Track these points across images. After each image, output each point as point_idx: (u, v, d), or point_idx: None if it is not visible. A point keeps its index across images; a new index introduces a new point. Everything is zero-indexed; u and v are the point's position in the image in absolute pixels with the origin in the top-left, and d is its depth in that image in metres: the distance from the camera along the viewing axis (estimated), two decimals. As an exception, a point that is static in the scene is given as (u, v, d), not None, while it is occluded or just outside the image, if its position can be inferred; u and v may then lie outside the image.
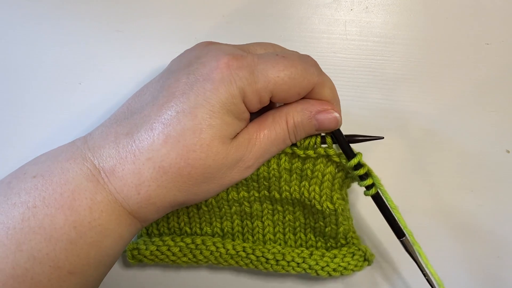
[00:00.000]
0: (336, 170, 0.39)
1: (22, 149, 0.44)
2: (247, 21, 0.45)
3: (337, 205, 0.39)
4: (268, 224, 0.42)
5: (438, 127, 0.45)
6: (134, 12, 0.45)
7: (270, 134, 0.34)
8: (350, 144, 0.37)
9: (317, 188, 0.39)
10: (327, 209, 0.39)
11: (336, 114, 0.35)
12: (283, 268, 0.41)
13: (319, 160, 0.38)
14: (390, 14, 0.46)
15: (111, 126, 0.32)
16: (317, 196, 0.39)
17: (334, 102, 0.35)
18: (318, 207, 0.39)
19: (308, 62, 0.33)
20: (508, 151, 0.45)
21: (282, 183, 0.39)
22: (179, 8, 0.46)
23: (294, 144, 0.37)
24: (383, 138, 0.37)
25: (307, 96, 0.34)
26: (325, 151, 0.37)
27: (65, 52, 0.45)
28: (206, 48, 0.33)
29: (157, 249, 0.40)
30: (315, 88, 0.33)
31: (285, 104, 0.35)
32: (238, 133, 0.33)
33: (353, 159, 0.36)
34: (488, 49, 0.45)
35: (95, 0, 0.45)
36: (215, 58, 0.31)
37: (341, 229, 0.40)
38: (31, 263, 0.28)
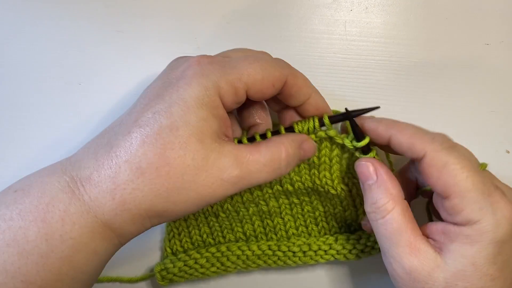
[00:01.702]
0: (341, 152, 0.38)
1: (22, 149, 0.44)
2: (247, 21, 0.45)
3: (350, 185, 0.39)
4: (289, 219, 0.42)
5: (438, 127, 0.45)
6: (134, 13, 0.45)
7: (260, 159, 0.33)
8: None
9: (327, 174, 0.38)
10: (342, 192, 0.39)
11: (313, 142, 0.36)
12: (311, 259, 0.41)
13: (323, 145, 0.38)
14: (390, 15, 0.46)
15: (92, 142, 0.32)
16: (329, 182, 0.38)
17: (312, 91, 0.36)
18: (333, 191, 0.38)
19: (277, 58, 0.35)
20: (508, 151, 0.45)
21: (292, 174, 0.39)
22: (179, 9, 0.46)
23: (291, 129, 0.37)
24: (379, 107, 0.36)
25: (283, 91, 0.34)
26: (326, 134, 0.37)
27: (65, 52, 0.45)
28: (177, 59, 0.35)
29: (184, 265, 0.40)
30: (288, 80, 0.34)
31: (277, 136, 0.35)
32: (224, 142, 0.32)
33: (363, 141, 0.36)
34: (488, 49, 0.45)
35: (95, 0, 0.45)
36: (186, 60, 0.32)
37: (360, 210, 0.40)
38: (3, 277, 0.28)
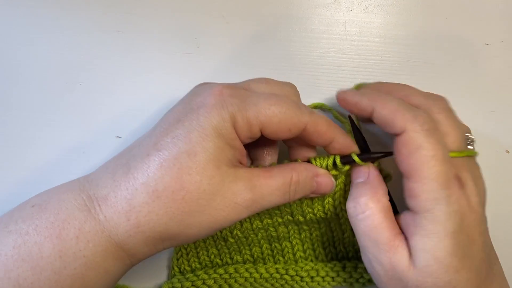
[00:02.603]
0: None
1: (22, 149, 0.44)
2: (247, 21, 0.45)
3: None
4: (297, 243, 0.42)
5: (438, 127, 0.45)
6: (134, 12, 0.45)
7: (272, 182, 0.33)
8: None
9: (343, 200, 0.38)
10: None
11: (333, 180, 0.36)
12: (318, 284, 0.41)
13: (340, 180, 0.38)
14: (390, 15, 0.46)
15: (111, 161, 0.33)
16: (343, 206, 0.38)
17: (336, 134, 0.35)
18: (345, 214, 0.37)
19: (299, 102, 0.35)
20: (508, 151, 0.45)
21: (305, 207, 0.38)
22: (179, 9, 0.46)
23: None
24: (392, 154, 0.35)
25: (304, 136, 0.34)
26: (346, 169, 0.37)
27: (65, 52, 0.45)
28: (202, 85, 0.35)
29: (192, 285, 0.40)
30: (309, 127, 0.33)
31: (291, 163, 0.36)
32: (238, 167, 0.33)
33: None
34: (488, 49, 0.45)
35: (95, 0, 0.45)
36: (210, 88, 0.32)
37: None
38: None
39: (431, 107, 0.35)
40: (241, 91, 0.33)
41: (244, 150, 0.34)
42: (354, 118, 0.39)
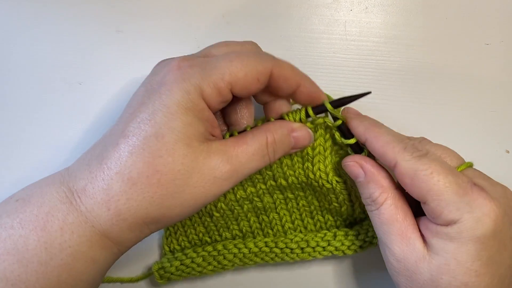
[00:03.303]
0: (333, 144, 0.38)
1: (22, 149, 0.44)
2: (247, 21, 0.45)
3: (345, 178, 0.38)
4: (284, 214, 0.41)
5: (438, 127, 0.45)
6: (135, 12, 0.45)
7: (248, 148, 0.33)
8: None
9: (321, 166, 0.38)
10: (337, 186, 0.38)
11: (310, 131, 0.36)
12: (309, 255, 0.41)
13: (318, 133, 0.37)
14: (390, 15, 0.46)
15: (87, 153, 0.33)
16: (323, 175, 0.38)
17: (301, 78, 0.35)
18: (327, 185, 0.38)
19: (260, 51, 0.34)
20: (508, 151, 0.45)
21: (285, 168, 0.38)
22: (179, 8, 0.46)
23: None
24: (370, 92, 0.36)
25: (271, 84, 0.34)
26: (324, 120, 0.37)
27: (65, 52, 0.45)
28: (160, 63, 0.34)
29: (181, 264, 0.40)
30: (274, 72, 0.33)
31: (264, 124, 0.36)
32: (211, 141, 0.32)
33: (350, 140, 0.37)
34: (488, 49, 0.45)
35: (95, 0, 0.45)
36: (167, 65, 0.32)
37: (356, 204, 0.40)
38: (3, 284, 0.29)
39: (420, 142, 0.35)
40: (199, 59, 0.32)
41: (215, 121, 0.33)
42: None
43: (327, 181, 0.38)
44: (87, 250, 0.30)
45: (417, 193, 0.32)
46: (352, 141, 0.36)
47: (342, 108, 0.38)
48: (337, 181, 0.38)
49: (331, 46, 0.45)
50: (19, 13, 0.45)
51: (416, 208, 0.35)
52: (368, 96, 0.45)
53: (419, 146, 0.34)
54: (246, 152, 0.33)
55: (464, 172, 0.34)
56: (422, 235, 0.33)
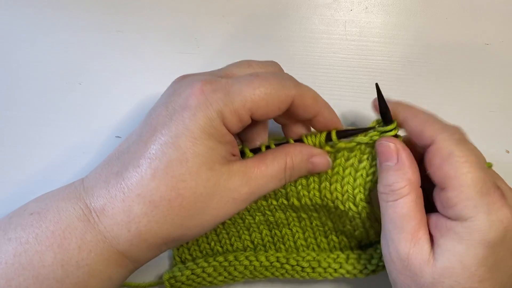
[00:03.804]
0: (358, 162, 0.36)
1: (22, 149, 0.44)
2: (247, 21, 0.45)
3: (360, 207, 0.37)
4: (297, 231, 0.41)
5: (438, 127, 0.45)
6: (135, 12, 0.45)
7: (267, 171, 0.33)
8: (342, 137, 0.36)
9: (338, 187, 0.37)
10: (350, 211, 0.37)
11: (329, 158, 0.36)
12: (320, 275, 0.40)
13: (340, 154, 0.36)
14: (390, 15, 0.46)
15: (103, 167, 0.32)
16: (339, 195, 0.37)
17: (321, 108, 0.35)
18: (341, 207, 0.37)
19: (283, 76, 0.34)
20: (508, 151, 0.45)
21: (299, 188, 0.37)
22: (179, 9, 0.46)
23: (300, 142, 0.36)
24: (374, 128, 0.35)
25: (291, 110, 0.34)
26: (345, 145, 0.36)
27: (65, 52, 0.45)
28: (181, 81, 0.33)
29: (192, 273, 0.40)
30: (295, 101, 0.33)
31: (284, 145, 0.36)
32: (232, 162, 0.32)
33: (391, 125, 0.35)
34: (488, 49, 0.45)
35: (95, 0, 0.45)
36: (189, 86, 0.31)
37: (371, 232, 0.38)
38: None
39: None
40: (221, 82, 0.32)
41: (235, 141, 0.34)
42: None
43: (341, 202, 0.37)
44: (104, 268, 0.31)
45: (441, 176, 0.31)
46: (393, 126, 0.35)
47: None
48: (350, 207, 0.37)
49: (331, 46, 0.45)
50: (19, 13, 0.45)
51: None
52: (368, 96, 0.45)
53: (459, 130, 0.33)
54: (265, 175, 0.33)
55: (490, 171, 0.33)
56: (430, 236, 0.33)
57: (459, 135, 0.32)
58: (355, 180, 0.36)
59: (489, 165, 0.34)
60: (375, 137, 0.35)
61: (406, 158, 0.33)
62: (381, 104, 0.35)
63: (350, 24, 0.46)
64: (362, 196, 0.36)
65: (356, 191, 0.36)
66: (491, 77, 0.45)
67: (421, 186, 0.34)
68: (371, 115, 0.45)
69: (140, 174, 0.30)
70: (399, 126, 0.35)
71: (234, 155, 0.34)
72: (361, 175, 0.36)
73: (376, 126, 0.35)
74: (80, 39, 0.45)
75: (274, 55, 0.45)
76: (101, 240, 0.30)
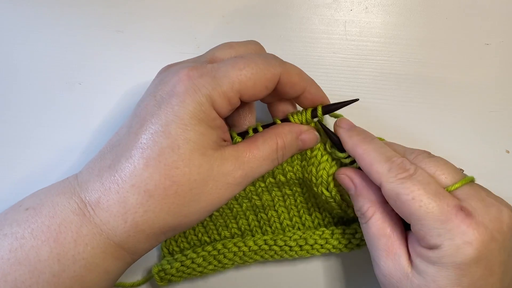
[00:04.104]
0: (331, 159, 0.38)
1: (22, 149, 0.44)
2: (247, 21, 0.45)
3: (334, 193, 0.38)
4: (282, 211, 0.42)
5: (438, 127, 0.45)
6: (135, 13, 0.45)
7: (259, 153, 0.34)
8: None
9: (314, 170, 0.38)
10: (323, 195, 0.38)
11: (317, 133, 0.37)
12: (307, 252, 0.41)
13: (317, 145, 0.38)
14: (390, 15, 0.46)
15: (96, 161, 0.33)
16: (313, 179, 0.38)
17: (307, 83, 0.35)
18: (315, 189, 0.38)
19: (267, 56, 0.34)
20: (508, 151, 0.45)
21: (285, 165, 0.39)
22: (179, 9, 0.46)
23: (286, 121, 0.37)
24: (358, 100, 0.37)
25: (278, 88, 0.34)
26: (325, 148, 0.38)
27: (65, 52, 0.45)
28: (167, 70, 0.34)
29: (181, 265, 0.40)
30: (282, 78, 0.33)
31: (273, 126, 0.36)
32: (223, 147, 0.33)
33: (343, 154, 0.37)
34: (488, 49, 0.45)
35: (95, 1, 0.45)
36: (176, 74, 0.32)
37: (349, 211, 0.40)
38: None
39: (411, 156, 0.35)
40: (207, 67, 0.32)
41: (225, 126, 0.34)
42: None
43: (315, 185, 0.38)
44: (101, 261, 0.31)
45: (402, 214, 0.32)
46: (343, 155, 0.37)
47: (336, 119, 0.38)
48: (322, 192, 0.38)
49: (331, 46, 0.45)
50: (19, 13, 0.45)
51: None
52: (368, 96, 0.45)
53: (407, 165, 0.33)
54: (258, 158, 0.33)
55: (457, 191, 0.32)
56: (408, 252, 0.33)
57: (403, 174, 0.32)
58: (331, 167, 0.38)
59: (468, 180, 0.33)
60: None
61: (360, 183, 0.36)
62: (332, 139, 0.37)
63: (350, 24, 0.46)
64: (336, 183, 0.38)
65: (330, 178, 0.38)
66: (491, 77, 0.45)
67: None
68: (371, 115, 0.45)
69: (133, 165, 0.30)
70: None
71: (225, 141, 0.34)
72: (336, 163, 0.38)
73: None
74: (80, 39, 0.45)
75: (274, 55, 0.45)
76: (97, 233, 0.30)
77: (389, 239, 0.34)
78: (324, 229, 0.41)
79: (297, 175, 0.39)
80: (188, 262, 0.40)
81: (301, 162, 0.39)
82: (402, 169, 0.33)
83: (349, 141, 0.36)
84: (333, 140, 0.37)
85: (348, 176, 0.36)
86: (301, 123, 0.37)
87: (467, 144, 0.44)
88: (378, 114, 0.45)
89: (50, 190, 0.32)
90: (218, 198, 0.32)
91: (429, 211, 0.30)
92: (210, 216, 0.41)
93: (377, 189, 0.35)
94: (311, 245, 0.41)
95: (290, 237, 0.41)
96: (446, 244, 0.30)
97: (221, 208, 0.40)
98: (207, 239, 0.42)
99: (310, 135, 0.37)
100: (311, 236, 0.41)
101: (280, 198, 0.41)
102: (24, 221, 0.30)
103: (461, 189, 0.32)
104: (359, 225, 0.40)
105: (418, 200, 0.31)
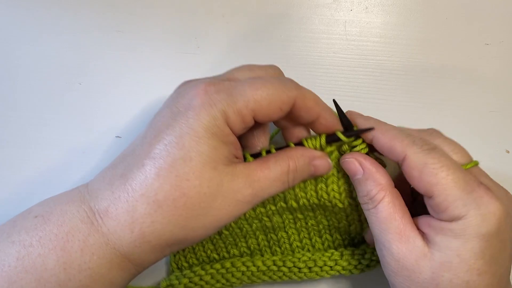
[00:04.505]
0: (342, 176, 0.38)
1: (22, 149, 0.44)
2: (247, 21, 0.45)
3: (357, 201, 0.38)
4: (293, 233, 0.41)
5: (438, 127, 0.45)
6: (134, 12, 0.45)
7: (270, 174, 0.33)
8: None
9: (335, 187, 0.38)
10: (349, 206, 0.38)
11: (330, 161, 0.37)
12: (317, 274, 0.41)
13: (332, 156, 0.37)
14: (390, 15, 0.46)
15: (107, 171, 0.33)
16: (336, 195, 0.38)
17: (322, 109, 0.35)
18: (340, 205, 0.38)
19: (284, 79, 0.34)
20: (508, 151, 0.45)
21: (297, 190, 0.38)
22: (179, 9, 0.46)
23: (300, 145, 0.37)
24: (373, 128, 0.36)
25: (293, 112, 0.34)
26: (337, 148, 0.37)
27: (65, 52, 0.45)
28: (185, 85, 0.34)
29: (190, 281, 0.40)
30: (297, 102, 0.33)
31: (286, 148, 0.36)
32: (235, 164, 0.33)
33: (358, 140, 0.36)
34: (488, 49, 0.45)
35: (95, 0, 0.45)
36: (193, 88, 0.32)
37: (365, 224, 0.40)
38: None
39: (427, 136, 0.35)
40: (225, 84, 0.32)
41: (238, 143, 0.34)
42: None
43: (340, 201, 0.38)
44: (106, 272, 0.30)
45: (424, 186, 0.32)
46: (358, 141, 0.36)
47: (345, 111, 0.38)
48: (349, 202, 0.38)
49: (331, 46, 0.45)
50: (19, 13, 0.45)
51: (411, 209, 0.34)
52: (368, 96, 0.45)
53: (428, 140, 0.34)
54: (268, 178, 0.33)
55: (470, 170, 0.34)
56: (421, 233, 0.33)
57: (427, 146, 0.33)
58: (348, 178, 0.37)
59: (475, 163, 0.35)
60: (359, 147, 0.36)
61: (370, 166, 0.35)
62: (343, 121, 0.36)
63: (350, 24, 0.46)
64: (347, 193, 0.38)
65: (342, 188, 0.38)
66: (491, 77, 0.45)
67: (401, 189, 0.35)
68: (371, 115, 0.44)
69: (144, 174, 0.30)
70: (370, 143, 0.36)
71: (237, 158, 0.34)
72: (343, 176, 0.38)
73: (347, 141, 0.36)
74: (80, 39, 0.45)
75: (274, 55, 0.45)
76: (104, 242, 0.30)
77: (401, 222, 0.33)
78: (333, 250, 0.41)
79: (310, 201, 0.38)
80: (196, 279, 0.40)
81: (316, 186, 0.38)
82: (425, 141, 0.33)
83: (366, 122, 0.36)
84: (343, 122, 0.36)
85: (356, 159, 0.36)
86: (315, 148, 0.36)
87: (467, 144, 0.44)
88: (378, 114, 0.45)
89: (60, 198, 0.32)
90: (226, 214, 0.32)
91: (456, 180, 0.31)
92: (220, 234, 0.41)
93: (386, 173, 0.35)
94: (320, 267, 0.40)
95: (299, 259, 0.41)
96: (471, 213, 0.30)
97: (230, 227, 0.40)
98: (216, 257, 0.42)
99: (323, 161, 0.36)
100: (320, 257, 0.41)
101: (291, 220, 0.41)
102: (33, 229, 0.30)
103: (472, 169, 0.34)
104: (367, 246, 0.40)
105: (445, 169, 0.31)
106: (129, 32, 0.45)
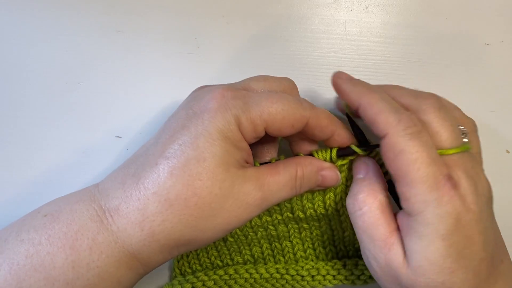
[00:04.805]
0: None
1: (22, 149, 0.44)
2: (247, 21, 0.45)
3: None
4: (297, 242, 0.42)
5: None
6: (135, 12, 0.45)
7: (280, 178, 0.34)
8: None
9: (343, 195, 0.38)
10: (343, 216, 0.38)
11: (338, 173, 0.37)
12: (319, 283, 0.41)
13: (344, 167, 0.38)
14: (390, 14, 0.46)
15: (119, 170, 0.33)
16: (345, 203, 0.37)
17: (336, 126, 0.35)
18: (347, 212, 0.37)
19: (300, 98, 0.35)
20: (508, 151, 0.45)
21: (305, 201, 0.38)
22: (179, 9, 0.46)
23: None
24: (378, 146, 0.36)
25: (306, 131, 0.35)
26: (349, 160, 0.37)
27: (65, 52, 0.45)
28: (201, 89, 0.35)
29: (192, 287, 0.40)
30: (311, 122, 0.34)
31: (295, 156, 0.36)
32: (246, 168, 0.33)
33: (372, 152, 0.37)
34: (488, 49, 0.45)
35: (95, 0, 0.45)
36: (210, 92, 0.33)
37: None
38: None
39: (421, 107, 0.34)
40: (242, 92, 0.33)
41: (249, 150, 0.34)
42: (348, 111, 0.39)
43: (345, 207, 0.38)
44: (114, 271, 0.31)
45: (393, 170, 0.32)
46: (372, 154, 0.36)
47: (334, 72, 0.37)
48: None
49: (331, 46, 0.45)
50: (19, 13, 0.45)
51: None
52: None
53: (415, 120, 0.32)
54: (278, 182, 0.34)
55: (450, 157, 0.32)
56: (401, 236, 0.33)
57: (412, 129, 0.31)
58: (346, 187, 0.38)
59: (465, 148, 0.33)
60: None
61: (374, 172, 0.36)
62: (357, 134, 0.37)
63: (350, 24, 0.46)
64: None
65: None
66: (491, 77, 0.45)
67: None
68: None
69: (157, 173, 0.30)
70: (356, 115, 0.36)
71: (248, 163, 0.34)
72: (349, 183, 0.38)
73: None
74: (80, 39, 0.45)
75: (274, 55, 0.45)
76: (113, 241, 0.30)
77: (387, 229, 0.33)
78: (337, 260, 0.41)
79: (318, 211, 0.39)
80: (199, 285, 0.40)
81: (324, 197, 0.38)
82: (411, 122, 0.32)
83: (353, 90, 0.35)
84: (356, 134, 0.37)
85: (367, 163, 0.36)
86: (325, 160, 0.37)
87: (467, 144, 0.44)
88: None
89: (70, 197, 0.33)
90: (236, 217, 0.32)
91: (424, 176, 0.30)
92: (225, 241, 0.41)
93: (382, 180, 0.35)
94: (323, 276, 0.41)
95: (303, 267, 0.41)
96: (429, 211, 0.30)
97: (236, 234, 0.40)
98: (220, 263, 0.42)
99: (331, 172, 0.36)
100: (323, 266, 0.41)
101: (296, 230, 0.41)
102: (42, 227, 0.30)
103: (451, 156, 0.33)
104: None
105: (420, 162, 0.31)
106: (129, 32, 0.45)
